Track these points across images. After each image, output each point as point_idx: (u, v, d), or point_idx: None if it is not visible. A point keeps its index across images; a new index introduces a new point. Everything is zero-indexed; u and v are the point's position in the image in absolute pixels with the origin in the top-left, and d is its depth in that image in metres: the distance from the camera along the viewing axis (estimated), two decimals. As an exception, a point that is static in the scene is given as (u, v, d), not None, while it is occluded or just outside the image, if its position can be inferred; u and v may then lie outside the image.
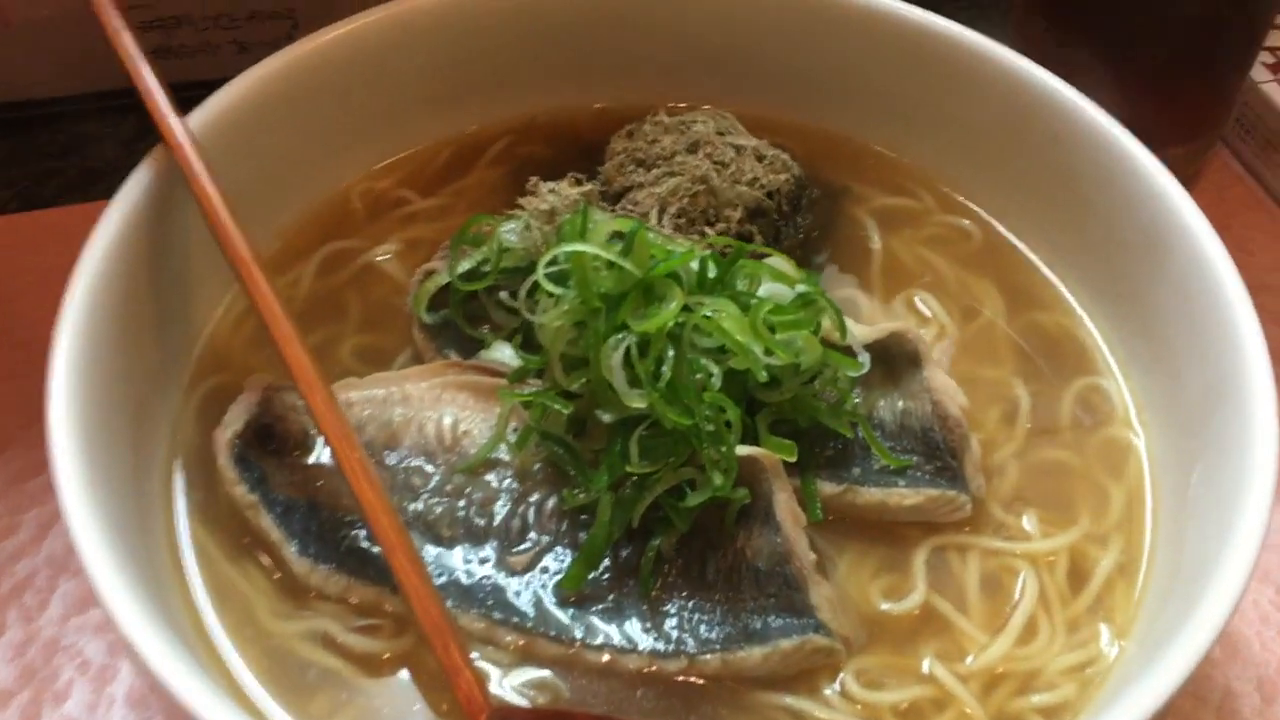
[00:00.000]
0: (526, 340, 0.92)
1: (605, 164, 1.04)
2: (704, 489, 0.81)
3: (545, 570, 0.84)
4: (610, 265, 0.85)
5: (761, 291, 0.88)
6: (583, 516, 0.86)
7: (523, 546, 0.85)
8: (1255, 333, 0.84)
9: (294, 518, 0.85)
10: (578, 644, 0.81)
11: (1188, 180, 1.05)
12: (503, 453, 0.88)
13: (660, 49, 1.13)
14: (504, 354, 0.92)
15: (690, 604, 0.83)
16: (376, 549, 0.83)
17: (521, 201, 0.96)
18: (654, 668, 0.80)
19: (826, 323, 0.90)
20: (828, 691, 0.81)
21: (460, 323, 0.95)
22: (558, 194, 0.94)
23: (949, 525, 0.89)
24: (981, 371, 0.98)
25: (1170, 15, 1.18)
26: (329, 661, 0.81)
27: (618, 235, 0.86)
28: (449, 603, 0.81)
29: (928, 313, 1.02)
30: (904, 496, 0.87)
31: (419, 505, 0.87)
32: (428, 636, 0.74)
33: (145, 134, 1.31)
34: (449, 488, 0.88)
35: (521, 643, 0.81)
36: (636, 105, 1.11)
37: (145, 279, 0.90)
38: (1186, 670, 0.71)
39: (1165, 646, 0.74)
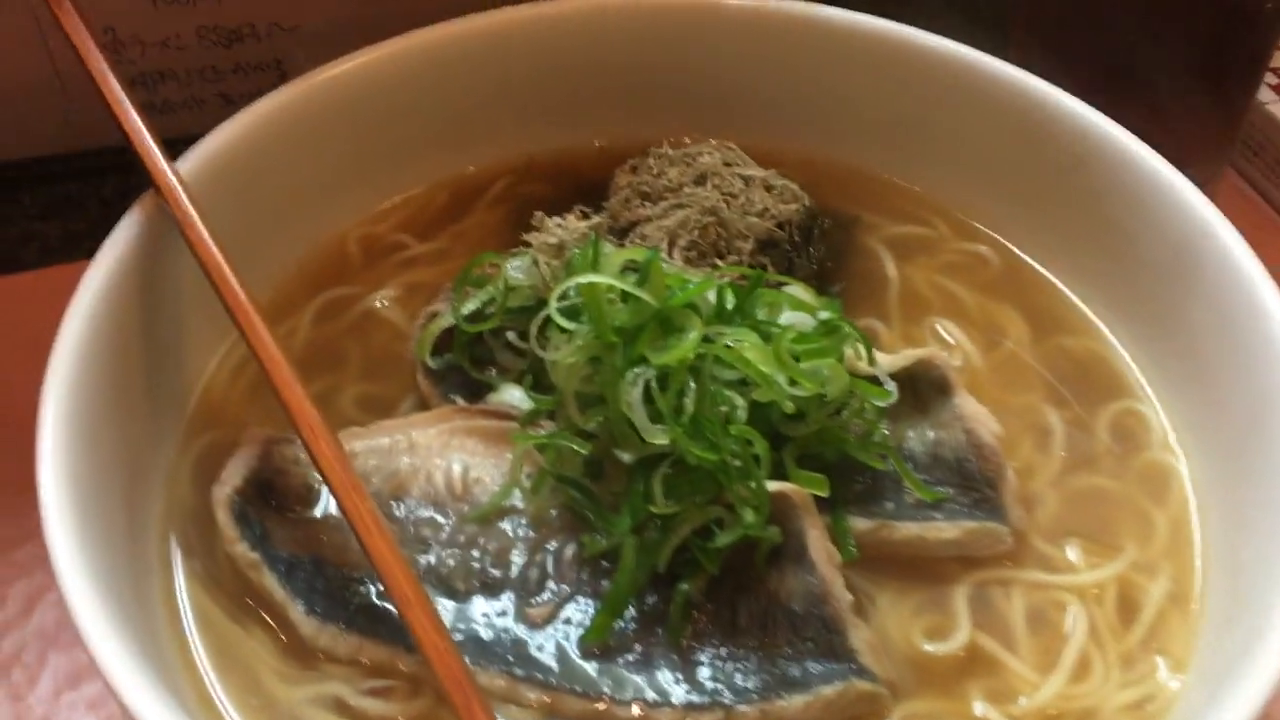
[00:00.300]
0: (537, 381, 0.88)
1: (609, 199, 1.01)
2: (734, 528, 0.77)
3: (568, 622, 0.79)
4: (625, 297, 0.81)
5: (782, 320, 0.84)
6: (603, 563, 0.81)
7: (542, 597, 0.80)
8: (1298, 347, 0.81)
9: (298, 576, 0.80)
10: (606, 699, 0.76)
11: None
12: (516, 499, 0.84)
13: (660, 85, 1.10)
14: (514, 396, 0.88)
15: (724, 651, 0.78)
16: (388, 605, 0.78)
17: (527, 238, 0.92)
18: (689, 721, 0.75)
19: (849, 352, 0.86)
20: (875, 740, 0.76)
21: (466, 366, 0.91)
22: (565, 228, 0.90)
23: (988, 559, 0.85)
24: (1010, 399, 0.94)
25: (1174, 37, 1.16)
26: (341, 727, 0.76)
27: (631, 266, 0.82)
28: (467, 660, 0.76)
29: (950, 340, 0.98)
30: (942, 530, 0.83)
31: (430, 558, 0.82)
32: (449, 695, 0.69)
33: (127, 194, 1.27)
34: (461, 538, 0.83)
35: (546, 700, 0.76)
36: (638, 142, 1.08)
37: (135, 332, 0.86)
38: (1259, 702, 0.67)
39: (1231, 678, 0.70)
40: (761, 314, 0.84)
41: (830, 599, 0.78)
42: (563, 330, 0.82)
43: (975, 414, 0.87)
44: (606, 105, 1.10)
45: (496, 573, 0.81)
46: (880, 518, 0.84)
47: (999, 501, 0.85)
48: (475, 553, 0.82)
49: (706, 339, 0.80)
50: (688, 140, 1.06)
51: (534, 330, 0.83)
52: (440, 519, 0.84)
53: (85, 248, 1.22)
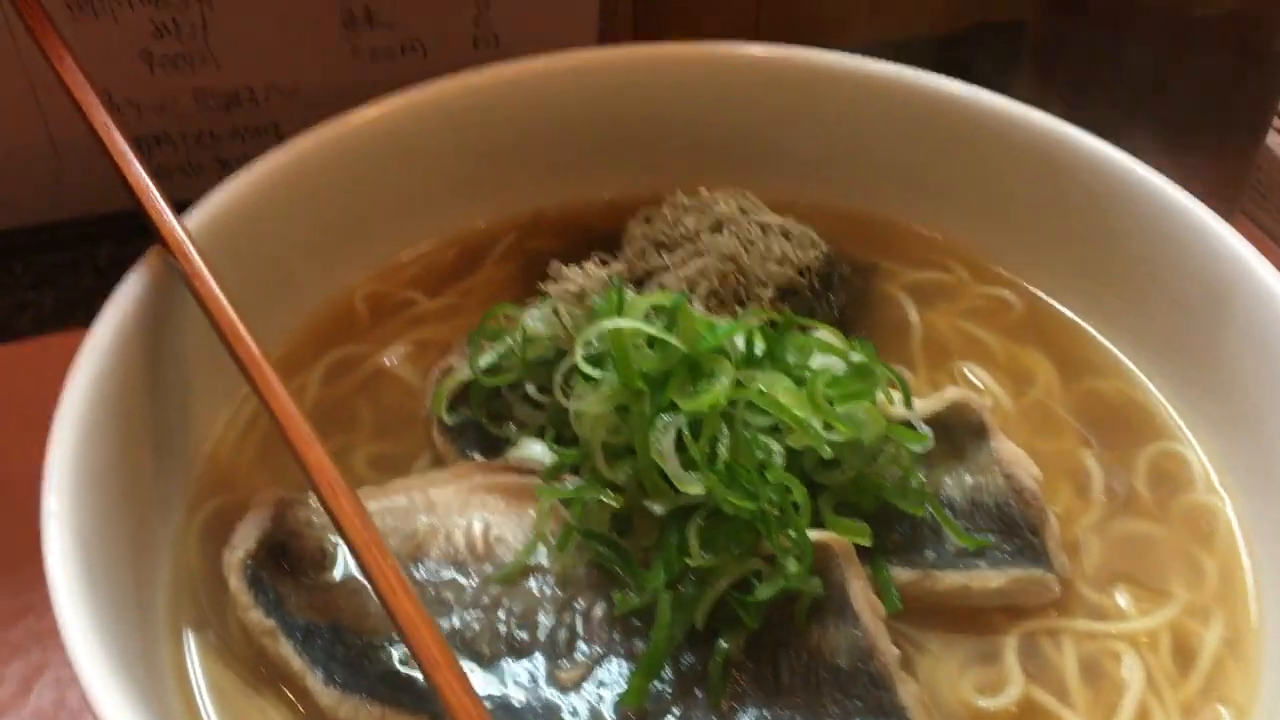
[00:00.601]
0: (558, 434, 0.84)
1: (623, 250, 0.98)
2: (775, 579, 0.74)
3: (601, 684, 0.75)
4: (651, 343, 0.78)
5: (814, 364, 0.81)
6: (634, 622, 0.77)
7: (573, 659, 0.76)
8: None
9: (316, 643, 0.76)
10: (646, 765, 0.72)
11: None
12: (541, 557, 0.80)
13: (669, 136, 1.09)
14: (534, 451, 0.85)
15: (767, 713, 0.74)
16: (412, 672, 0.74)
17: (544, 288, 0.90)
18: (733, 787, 0.71)
19: (880, 397, 0.83)
20: (932, 801, 0.72)
21: (484, 421, 0.88)
22: (586, 275, 0.88)
23: (1033, 608, 0.82)
24: (1043, 444, 0.91)
25: (1183, 78, 1.16)
26: (365, 804, 0.71)
27: (657, 312, 0.80)
28: (498, 727, 0.72)
29: (979, 385, 0.95)
30: (988, 579, 0.80)
31: (454, 621, 0.78)
32: (484, 764, 0.65)
33: (122, 262, 1.24)
34: (485, 600, 0.79)
35: (582, 767, 0.72)
36: (647, 193, 1.06)
37: (140, 394, 0.83)
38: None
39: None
40: (792, 358, 0.81)
41: (876, 653, 0.75)
42: (587, 379, 0.79)
43: (1014, 457, 0.84)
44: (615, 157, 1.08)
45: (524, 635, 0.78)
46: (922, 568, 0.80)
47: (1043, 548, 0.82)
48: (500, 614, 0.78)
49: (738, 384, 0.77)
50: (701, 189, 1.04)
51: (558, 379, 0.80)
52: (462, 580, 0.80)
53: (80, 316, 1.19)
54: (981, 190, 1.03)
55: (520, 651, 0.77)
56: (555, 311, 0.84)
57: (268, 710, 0.75)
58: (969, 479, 0.84)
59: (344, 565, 0.81)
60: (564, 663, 0.76)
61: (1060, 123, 0.98)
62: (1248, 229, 1.32)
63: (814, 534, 0.76)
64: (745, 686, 0.75)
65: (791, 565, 0.73)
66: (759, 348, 0.81)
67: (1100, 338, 0.98)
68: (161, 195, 0.83)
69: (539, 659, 0.76)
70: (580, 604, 0.78)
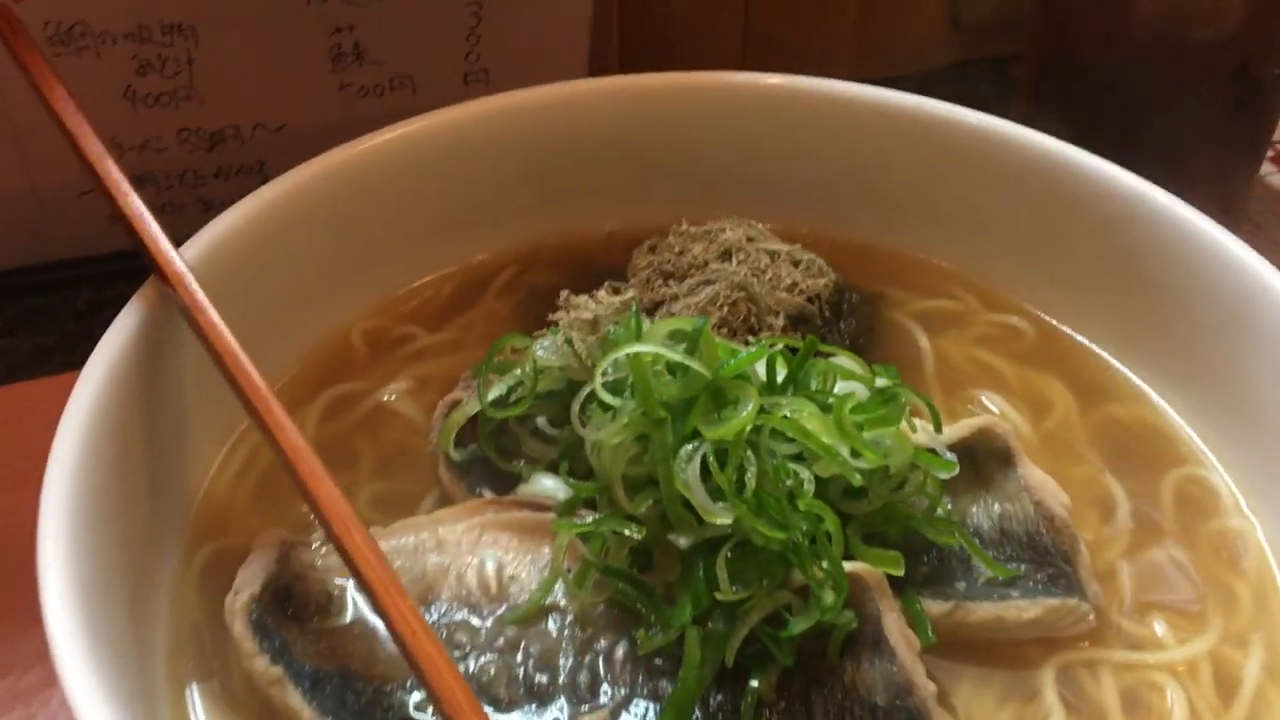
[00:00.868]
0: (572, 467, 0.81)
1: (629, 280, 0.96)
2: (809, 611, 0.71)
3: (627, 728, 0.72)
4: (672, 370, 0.76)
5: (837, 389, 0.79)
6: (658, 661, 0.74)
7: (596, 703, 0.73)
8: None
9: (326, 690, 0.72)
10: (678, 813, 0.68)
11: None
12: (558, 596, 0.77)
13: (669, 167, 1.07)
14: (546, 485, 0.82)
15: (803, 753, 0.71)
16: (426, 717, 0.70)
17: (554, 318, 0.87)
18: (770, 833, 0.68)
19: (902, 423, 0.80)
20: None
21: (492, 457, 0.85)
22: (599, 303, 0.85)
23: (1068, 639, 0.79)
24: (1065, 471, 0.89)
25: (1179, 103, 1.15)
26: None
27: (677, 336, 0.77)
28: (521, 775, 0.68)
29: (996, 412, 0.93)
30: (1023, 610, 0.77)
31: (469, 665, 0.74)
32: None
33: (103, 307, 1.22)
34: (500, 642, 0.76)
35: (612, 816, 0.68)
36: (649, 226, 1.04)
37: (136, 434, 0.80)
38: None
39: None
40: (815, 384, 0.79)
41: (915, 689, 0.72)
42: (605, 408, 0.76)
43: (1042, 484, 0.82)
44: (615, 189, 1.06)
45: (543, 678, 0.74)
46: (953, 599, 0.78)
47: (1076, 577, 0.79)
48: (517, 657, 0.75)
49: (762, 410, 0.74)
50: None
51: (576, 408, 0.77)
52: (476, 622, 0.77)
53: (56, 362, 1.17)
54: (988, 217, 1.02)
55: (540, 695, 0.73)
56: (568, 341, 0.81)
57: (276, 763, 0.71)
58: (997, 507, 0.82)
59: (351, 609, 0.77)
60: (586, 706, 0.73)
61: (1068, 147, 0.97)
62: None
63: (845, 565, 0.73)
64: (779, 727, 0.71)
65: (828, 597, 0.70)
66: (781, 373, 0.78)
67: (1115, 363, 0.97)
68: (160, 226, 0.79)
69: (561, 702, 0.73)
70: (601, 644, 0.75)
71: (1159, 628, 0.80)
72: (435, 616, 0.77)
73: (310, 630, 0.76)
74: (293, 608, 0.76)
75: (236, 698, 0.74)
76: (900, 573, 0.74)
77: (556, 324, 0.86)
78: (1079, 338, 0.99)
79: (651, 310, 0.93)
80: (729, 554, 0.72)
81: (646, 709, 0.72)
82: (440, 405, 0.88)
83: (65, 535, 0.69)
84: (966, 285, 1.03)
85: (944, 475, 0.79)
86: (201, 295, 0.76)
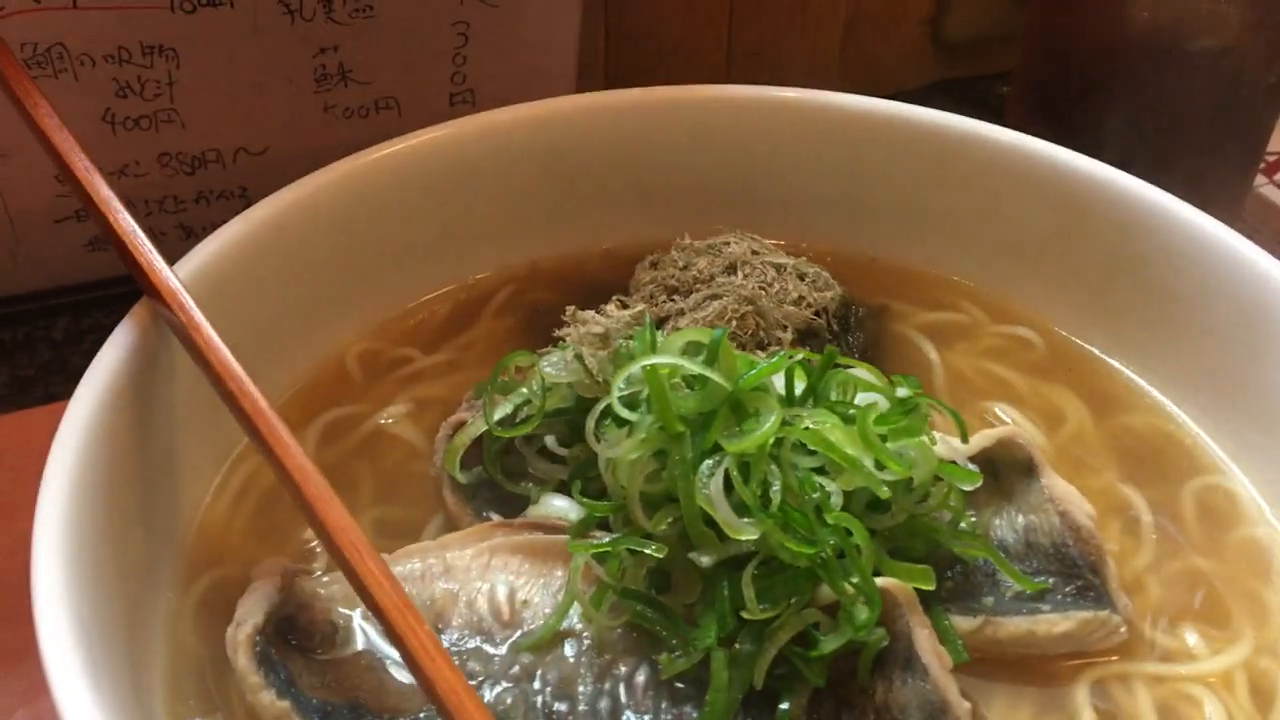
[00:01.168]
0: (584, 487, 0.78)
1: (631, 296, 0.94)
2: (842, 629, 0.68)
3: (653, 756, 0.69)
4: (690, 382, 0.73)
5: (858, 400, 0.77)
6: (681, 685, 0.71)
7: (620, 730, 0.70)
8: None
9: (335, 725, 0.69)
10: (710, 844, 0.65)
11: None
12: (574, 620, 0.74)
13: (667, 184, 1.05)
14: (557, 506, 0.79)
15: (837, 777, 0.68)
16: (445, 751, 0.67)
17: (560, 334, 0.84)
18: None
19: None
20: None
21: (499, 479, 0.82)
22: (609, 316, 0.83)
23: (1097, 653, 0.77)
24: (1083, 482, 0.87)
25: (1175, 110, 1.14)
26: None
27: (693, 348, 0.75)
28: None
29: (1009, 424, 0.91)
30: (1053, 623, 0.75)
31: (484, 695, 0.71)
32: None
33: (80, 336, 1.18)
34: (516, 670, 0.73)
35: None
36: (646, 243, 1.02)
37: (129, 462, 0.76)
38: None
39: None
40: (835, 395, 0.76)
41: (950, 708, 0.69)
42: (620, 424, 0.73)
43: (1067, 494, 0.80)
44: (612, 206, 1.04)
45: (562, 706, 0.71)
46: (981, 614, 0.75)
47: (1105, 588, 0.77)
48: (535, 685, 0.72)
49: (784, 422, 0.72)
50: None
51: (591, 424, 0.75)
52: (489, 649, 0.73)
53: (36, 394, 1.13)
54: (992, 227, 1.00)
55: (560, 724, 0.70)
56: (578, 357, 0.79)
57: (286, 802, 0.67)
58: (1020, 519, 0.80)
59: (359, 638, 0.74)
60: (609, 734, 0.70)
61: (1075, 155, 0.95)
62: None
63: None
64: (810, 751, 0.69)
65: (861, 613, 0.67)
66: (799, 386, 0.76)
67: (1128, 372, 0.95)
68: (152, 243, 0.76)
69: (582, 731, 0.70)
70: (621, 669, 0.72)
71: (1191, 639, 0.78)
72: (446, 645, 0.73)
73: (316, 662, 0.72)
74: (297, 639, 0.73)
75: (242, 734, 0.70)
76: (932, 587, 0.72)
77: (562, 340, 0.84)
78: (1089, 348, 0.97)
79: (658, 326, 0.90)
80: (755, 571, 0.69)
81: (673, 736, 0.69)
82: (443, 427, 0.85)
83: (60, 570, 0.66)
84: (972, 297, 1.02)
85: (968, 487, 0.77)
86: (198, 313, 0.73)
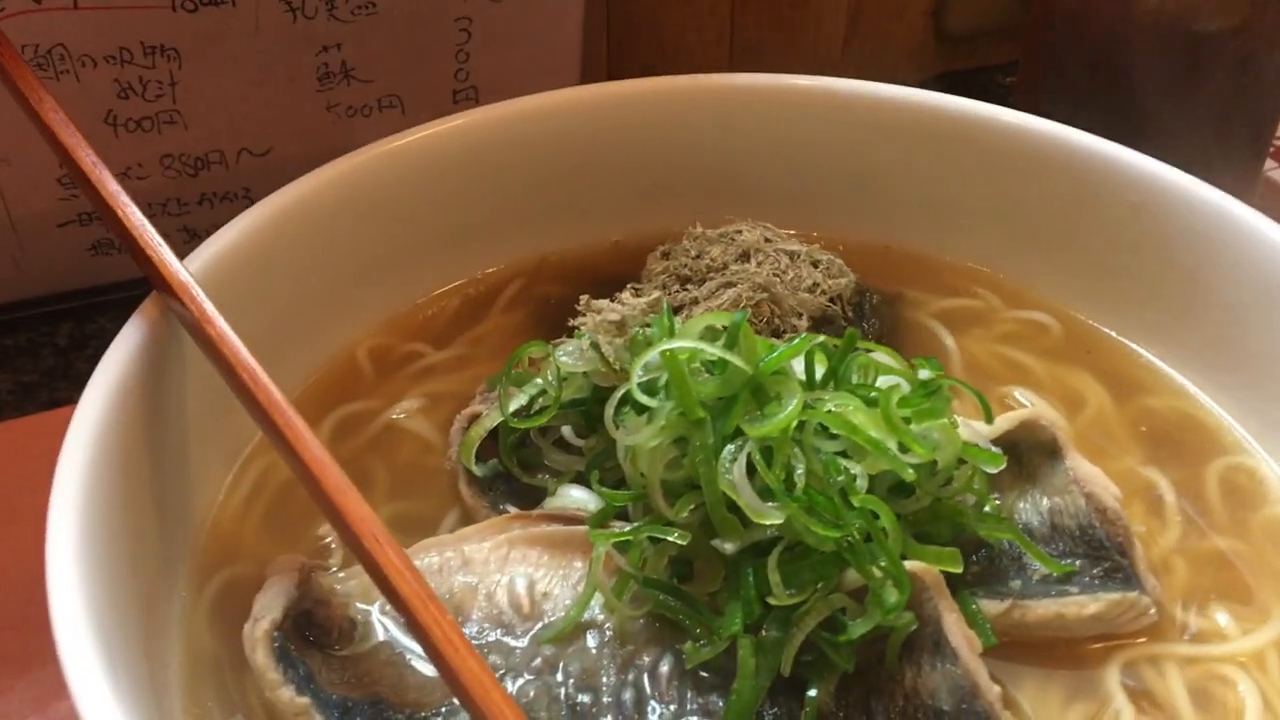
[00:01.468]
0: (602, 477, 0.77)
1: (644, 286, 0.93)
2: (870, 613, 0.67)
3: (680, 747, 0.67)
4: (709, 367, 0.72)
5: (879, 383, 0.76)
6: (705, 675, 0.70)
7: (645, 721, 0.69)
8: None
9: (356, 721, 0.68)
10: (741, 834, 0.64)
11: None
12: (595, 611, 0.72)
13: (676, 174, 1.04)
14: (575, 497, 0.78)
15: (869, 764, 0.67)
16: (469, 745, 0.66)
17: (575, 323, 0.83)
18: None
19: (944, 419, 0.77)
20: None
21: (515, 471, 0.81)
22: (625, 304, 0.81)
23: (1126, 635, 0.76)
24: (1105, 465, 0.85)
25: (1183, 94, 1.13)
26: None
27: (712, 332, 0.74)
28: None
29: (1029, 408, 0.90)
30: (1082, 605, 0.74)
31: (508, 688, 0.70)
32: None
33: (84, 341, 1.17)
34: (538, 662, 0.71)
35: (671, 840, 0.64)
36: (656, 234, 1.01)
37: (141, 460, 0.75)
38: None
39: None
40: (856, 378, 0.75)
41: (980, 692, 0.68)
42: (639, 411, 0.72)
43: (1092, 476, 0.79)
44: (620, 197, 1.03)
45: (586, 698, 0.70)
46: (1009, 598, 0.74)
47: (1133, 569, 0.76)
48: (557, 677, 0.71)
49: (806, 406, 0.71)
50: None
51: (610, 411, 0.74)
52: (510, 642, 0.72)
53: (40, 399, 1.12)
54: (1005, 212, 0.99)
55: (584, 716, 0.69)
56: (594, 345, 0.78)
57: (307, 800, 0.66)
58: (1045, 501, 0.79)
59: (378, 633, 0.73)
60: (635, 725, 0.69)
61: (1087, 136, 0.95)
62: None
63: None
64: (840, 738, 0.67)
65: (890, 596, 0.66)
66: (819, 370, 0.75)
67: (1146, 354, 0.94)
68: (161, 236, 0.75)
69: (607, 723, 0.69)
70: (644, 659, 0.71)
71: (1221, 619, 0.77)
72: (467, 638, 0.72)
73: (335, 658, 0.71)
74: (315, 635, 0.72)
75: (260, 732, 0.69)
76: (960, 569, 0.71)
77: (578, 329, 0.83)
78: (1107, 331, 0.96)
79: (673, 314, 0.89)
80: (780, 555, 0.68)
81: (699, 725, 0.68)
82: (458, 419, 0.84)
83: (76, 572, 0.64)
84: (985, 282, 1.01)
85: (991, 470, 0.75)
86: (210, 306, 0.72)
